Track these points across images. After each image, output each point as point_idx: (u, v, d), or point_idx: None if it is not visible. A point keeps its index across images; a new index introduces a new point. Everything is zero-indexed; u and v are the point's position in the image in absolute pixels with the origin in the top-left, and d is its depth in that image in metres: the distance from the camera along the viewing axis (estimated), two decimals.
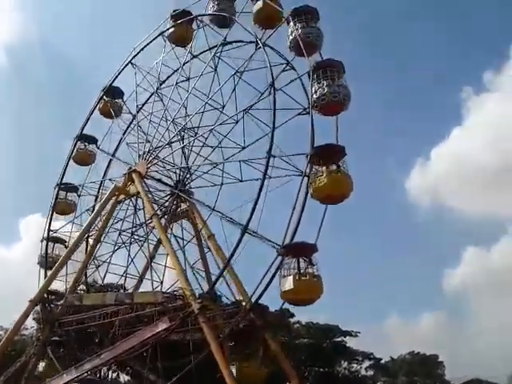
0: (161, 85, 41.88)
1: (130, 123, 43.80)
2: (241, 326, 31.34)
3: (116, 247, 39.04)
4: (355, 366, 68.19)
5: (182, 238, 38.75)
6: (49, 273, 38.16)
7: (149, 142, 39.05)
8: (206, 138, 37.50)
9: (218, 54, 38.18)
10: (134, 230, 39.69)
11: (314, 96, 30.15)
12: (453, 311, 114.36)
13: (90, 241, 38.92)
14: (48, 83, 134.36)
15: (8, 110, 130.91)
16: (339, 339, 65.25)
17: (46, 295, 34.22)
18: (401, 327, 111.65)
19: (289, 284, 27.06)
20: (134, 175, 37.08)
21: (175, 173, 39.13)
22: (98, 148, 44.22)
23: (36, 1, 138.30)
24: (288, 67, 33.70)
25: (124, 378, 53.00)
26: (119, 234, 39.36)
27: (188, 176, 38.72)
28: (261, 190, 29.44)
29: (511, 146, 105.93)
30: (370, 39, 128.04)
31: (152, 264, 38.62)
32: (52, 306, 35.21)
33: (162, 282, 36.57)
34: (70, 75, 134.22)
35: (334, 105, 30.07)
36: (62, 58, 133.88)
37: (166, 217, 39.03)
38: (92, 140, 44.39)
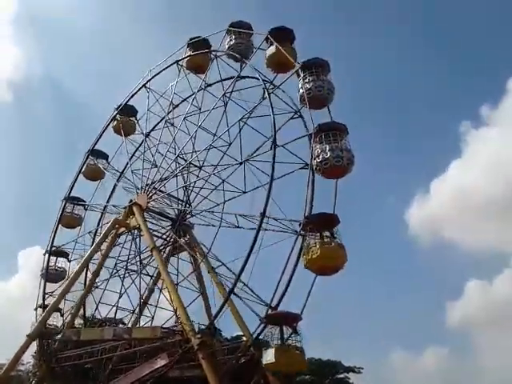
0: (173, 109, 42.48)
1: (138, 147, 44.13)
2: (241, 362, 30.83)
3: (113, 279, 38.93)
4: None
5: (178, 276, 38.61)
6: (48, 287, 39.20)
7: (155, 166, 39.48)
8: (209, 177, 37.92)
9: (228, 94, 38.66)
10: (132, 262, 39.47)
11: (317, 159, 29.77)
12: (455, 347, 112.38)
13: (89, 273, 38.72)
14: (52, 118, 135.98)
15: (11, 145, 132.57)
16: (342, 376, 63.77)
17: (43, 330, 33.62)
18: (404, 363, 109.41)
19: (270, 357, 26.32)
20: (134, 208, 37.16)
21: (176, 207, 39.31)
22: (109, 164, 44.79)
23: (38, 36, 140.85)
24: (296, 115, 33.92)
25: None
26: (115, 266, 39.35)
27: (188, 211, 38.89)
28: (252, 247, 29.30)
29: (510, 179, 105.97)
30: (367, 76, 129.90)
31: (151, 298, 38.52)
32: (49, 341, 34.68)
33: (152, 318, 36.33)
34: (75, 110, 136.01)
35: (336, 169, 29.68)
36: (65, 93, 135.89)
37: (164, 250, 38.94)
38: (103, 155, 44.93)
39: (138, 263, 39.37)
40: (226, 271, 34.81)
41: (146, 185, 39.00)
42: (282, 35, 35.89)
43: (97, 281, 38.25)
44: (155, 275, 39.58)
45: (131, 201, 38.22)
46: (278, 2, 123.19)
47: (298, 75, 33.10)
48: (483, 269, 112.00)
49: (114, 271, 39.45)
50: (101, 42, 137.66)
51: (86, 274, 39.65)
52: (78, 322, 39.29)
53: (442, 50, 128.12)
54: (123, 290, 38.75)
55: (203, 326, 31.87)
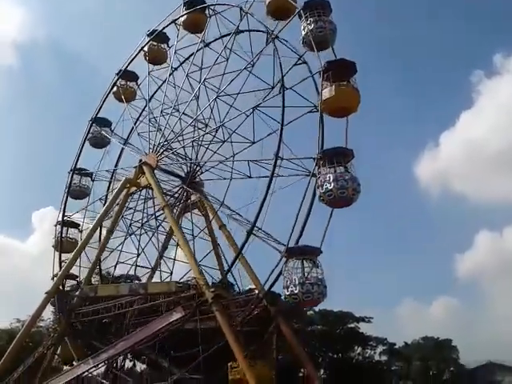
0: (173, 71, 41.72)
1: (142, 111, 43.97)
2: (254, 314, 31.65)
3: (128, 238, 39.54)
4: (369, 351, 68.33)
5: (193, 231, 39.06)
6: (63, 256, 39.51)
7: (160, 130, 39.16)
8: (216, 131, 37.46)
9: (229, 46, 37.70)
10: (145, 220, 40.10)
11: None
12: (466, 297, 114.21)
13: (103, 232, 39.34)
14: (57, 80, 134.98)
15: (19, 108, 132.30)
16: (352, 325, 65.34)
17: (61, 287, 34.56)
18: (414, 312, 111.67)
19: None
20: (144, 167, 37.31)
21: (185, 165, 39.40)
22: (112, 131, 44.58)
23: None
24: (300, 61, 33.04)
25: (140, 366, 53.86)
26: (130, 225, 39.85)
27: (198, 168, 38.96)
28: (267, 191, 29.61)
29: None
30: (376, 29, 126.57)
31: (165, 254, 39.25)
32: (67, 297, 35.73)
33: (171, 273, 37.06)
34: (80, 70, 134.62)
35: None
36: (71, 54, 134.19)
37: (176, 208, 39.39)
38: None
39: (151, 221, 40.21)
40: (240, 219, 34.80)
41: (154, 145, 38.97)
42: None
43: (111, 239, 38.87)
44: (168, 232, 40.26)
45: (141, 160, 38.33)
46: None
47: (300, 17, 32.49)
48: (494, 220, 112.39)
49: (128, 229, 40.17)
50: (104, 4, 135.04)
51: (101, 232, 40.32)
52: (95, 279, 40.16)
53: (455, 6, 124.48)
54: (137, 247, 39.64)
55: (216, 281, 32.64)
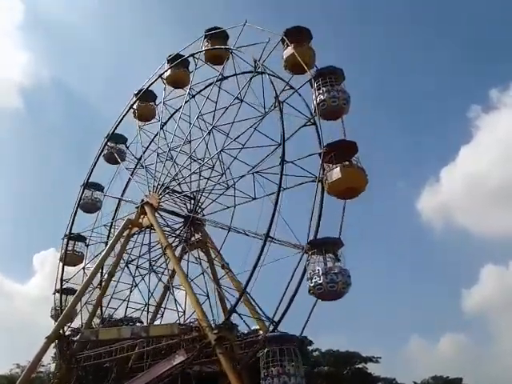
0: (164, 125, 42.97)
1: (137, 164, 44.75)
2: (259, 355, 30.91)
3: (128, 278, 39.50)
4: None
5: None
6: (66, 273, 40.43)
7: (157, 178, 39.58)
8: (214, 165, 38.16)
9: (216, 90, 39.32)
10: (146, 260, 39.91)
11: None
12: (473, 332, 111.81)
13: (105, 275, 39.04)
14: (63, 122, 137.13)
15: (25, 152, 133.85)
16: (360, 366, 63.78)
17: (61, 331, 34.00)
18: (422, 350, 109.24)
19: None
20: (146, 208, 37.40)
21: (187, 202, 39.46)
22: (105, 195, 44.94)
23: (43, 39, 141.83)
24: (309, 123, 33.03)
25: None
26: (126, 264, 39.70)
27: (200, 204, 39.00)
28: (277, 200, 30.01)
29: None
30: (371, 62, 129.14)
31: (167, 295, 38.77)
32: (68, 342, 35.08)
33: (184, 312, 36.48)
34: (85, 113, 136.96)
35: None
36: (75, 96, 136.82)
37: (179, 247, 39.21)
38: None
39: (152, 262, 39.97)
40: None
41: (154, 186, 39.20)
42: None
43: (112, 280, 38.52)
44: (170, 273, 39.88)
45: (143, 200, 38.41)
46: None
47: (312, 85, 32.56)
48: (497, 254, 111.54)
49: (128, 270, 39.89)
50: (108, 45, 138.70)
51: (102, 274, 39.99)
52: (96, 321, 39.54)
53: (451, 36, 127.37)
54: (137, 289, 39.35)
55: (220, 322, 32.05)
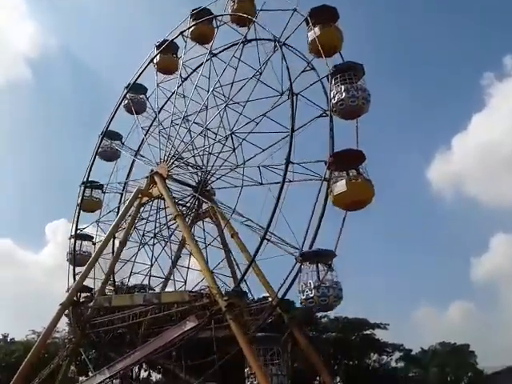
0: (182, 83, 42.06)
1: (152, 122, 44.33)
2: (268, 322, 31.60)
3: (141, 248, 39.85)
4: (385, 358, 67.46)
5: (205, 240, 39.27)
6: (77, 269, 39.73)
7: (170, 142, 39.37)
8: (226, 139, 37.63)
9: (237, 55, 37.96)
10: (157, 230, 40.37)
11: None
12: (482, 300, 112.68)
13: (116, 242, 39.61)
14: (70, 91, 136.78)
15: (34, 122, 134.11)
16: (368, 332, 64.69)
17: (75, 298, 34.78)
18: (430, 318, 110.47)
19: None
20: (156, 178, 37.57)
21: (196, 174, 39.59)
22: (123, 144, 44.94)
23: (49, 8, 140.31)
24: (309, 67, 33.08)
25: (156, 376, 53.93)
26: (143, 235, 40.15)
27: (209, 177, 39.10)
28: (279, 196, 29.56)
29: None
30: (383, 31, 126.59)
31: (178, 263, 39.38)
32: (82, 308, 35.95)
33: (185, 282, 37.12)
34: (93, 81, 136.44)
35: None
36: (83, 65, 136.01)
37: (189, 217, 39.58)
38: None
39: (163, 231, 40.46)
40: (253, 226, 34.77)
41: (165, 155, 39.21)
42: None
43: (124, 249, 39.13)
44: (180, 242, 40.45)
45: (152, 170, 38.59)
46: None
47: (329, 81, 31.02)
48: (509, 222, 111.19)
49: (139, 239, 40.49)
50: (115, 12, 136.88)
51: (114, 243, 40.61)
52: (109, 289, 40.36)
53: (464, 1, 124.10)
54: (150, 257, 39.96)
55: (230, 289, 32.62)
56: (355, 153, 29.07)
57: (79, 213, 42.83)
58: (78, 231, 42.26)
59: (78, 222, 42.61)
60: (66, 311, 34.01)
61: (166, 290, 38.64)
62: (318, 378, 54.56)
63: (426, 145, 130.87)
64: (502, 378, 66.02)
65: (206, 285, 31.69)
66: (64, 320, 40.84)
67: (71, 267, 40.80)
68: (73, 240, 41.80)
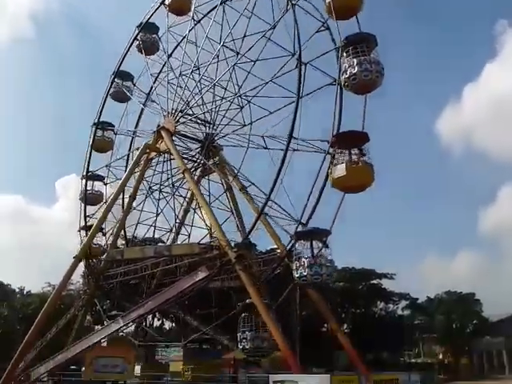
0: (194, 26, 40.66)
1: (161, 69, 43.77)
2: (276, 272, 32.29)
3: (149, 201, 40.58)
4: (391, 306, 68.82)
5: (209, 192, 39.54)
6: (89, 208, 41.43)
7: (178, 95, 39.10)
8: (234, 98, 37.17)
9: (250, 7, 36.36)
10: (166, 185, 40.80)
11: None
12: (489, 250, 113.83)
13: (126, 196, 40.20)
14: (75, 47, 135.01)
15: (42, 78, 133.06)
16: (375, 282, 65.84)
17: (88, 251, 35.67)
18: (437, 267, 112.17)
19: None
20: (162, 133, 37.58)
21: (203, 126, 39.48)
22: (134, 85, 44.79)
23: None
24: (323, 28, 31.56)
25: (169, 324, 55.80)
26: (149, 188, 40.67)
27: (216, 127, 38.97)
28: (280, 170, 29.32)
29: None
30: None
31: (187, 217, 40.00)
32: (95, 261, 36.95)
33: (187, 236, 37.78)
34: (97, 38, 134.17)
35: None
36: (86, 22, 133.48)
37: (196, 171, 39.84)
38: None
39: (171, 185, 40.84)
40: (256, 191, 35.23)
41: (172, 109, 39.04)
42: None
43: (134, 204, 39.75)
44: (188, 196, 40.91)
45: (159, 125, 38.54)
46: None
47: (339, 54, 29.67)
48: None
49: (149, 193, 40.98)
50: None
51: (123, 197, 41.18)
52: (120, 242, 41.27)
53: None
54: (159, 211, 40.54)
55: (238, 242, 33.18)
56: (358, 134, 28.39)
57: (91, 153, 43.23)
58: (90, 173, 42.91)
59: (89, 162, 43.18)
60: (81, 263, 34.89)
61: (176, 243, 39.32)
62: (325, 326, 56.18)
63: (436, 96, 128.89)
64: (505, 325, 67.50)
65: (215, 237, 32.28)
66: (78, 272, 42.08)
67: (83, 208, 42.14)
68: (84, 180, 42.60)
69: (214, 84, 38.08)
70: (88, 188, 42.65)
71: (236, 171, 37.70)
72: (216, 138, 39.18)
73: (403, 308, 70.71)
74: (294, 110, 29.98)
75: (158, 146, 38.39)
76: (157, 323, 46.47)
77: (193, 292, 30.32)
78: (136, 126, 44.84)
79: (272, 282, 32.89)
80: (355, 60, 27.86)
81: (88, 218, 41.61)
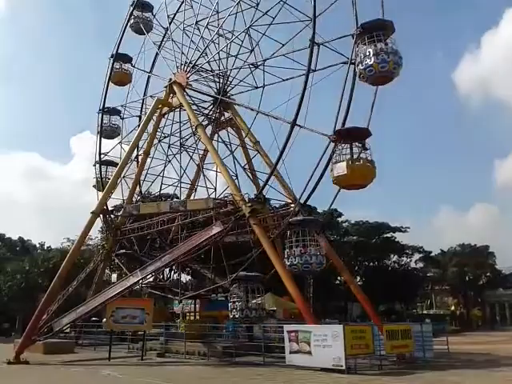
0: None
1: (164, 36, 43.53)
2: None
3: (163, 158, 40.71)
4: (405, 259, 69.50)
5: (230, 143, 39.47)
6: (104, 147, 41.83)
7: (184, 54, 38.59)
8: (243, 41, 36.49)
9: None
10: (180, 141, 40.81)
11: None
12: (503, 204, 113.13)
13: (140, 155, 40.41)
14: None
15: (49, 34, 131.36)
16: (388, 235, 66.22)
17: (105, 207, 36.23)
18: (450, 221, 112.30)
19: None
20: (174, 87, 37.28)
21: (215, 81, 39.02)
22: (134, 66, 44.20)
23: None
24: None
25: (185, 277, 57.14)
26: (162, 143, 40.81)
27: (228, 83, 38.53)
28: (306, 83, 28.49)
29: None
30: None
31: (201, 173, 40.20)
32: (112, 216, 37.61)
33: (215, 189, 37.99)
34: None
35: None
36: None
37: (209, 127, 39.71)
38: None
39: (185, 141, 40.87)
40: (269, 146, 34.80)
41: (182, 63, 38.49)
42: None
43: (148, 160, 39.98)
44: (202, 152, 40.94)
45: (170, 79, 38.18)
46: None
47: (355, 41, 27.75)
48: None
49: (163, 149, 41.11)
50: None
51: (138, 154, 41.41)
52: (136, 198, 41.80)
53: None
54: (174, 167, 40.76)
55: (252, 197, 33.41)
56: (361, 130, 27.46)
57: (107, 86, 43.11)
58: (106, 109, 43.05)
59: (106, 96, 43.07)
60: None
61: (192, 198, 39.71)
62: (338, 279, 57.14)
63: (453, 44, 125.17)
64: None
65: (229, 192, 32.54)
66: (96, 228, 43.00)
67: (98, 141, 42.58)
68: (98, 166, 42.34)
69: (231, 41, 37.20)
70: (105, 121, 42.75)
71: (255, 112, 37.21)
72: (228, 89, 38.67)
73: (416, 261, 71.49)
74: (299, 98, 28.75)
75: (170, 100, 38.19)
76: (174, 276, 47.47)
77: (208, 246, 30.84)
78: (151, 69, 44.47)
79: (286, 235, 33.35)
80: (371, 50, 26.25)
81: (102, 156, 41.89)
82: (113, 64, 43.36)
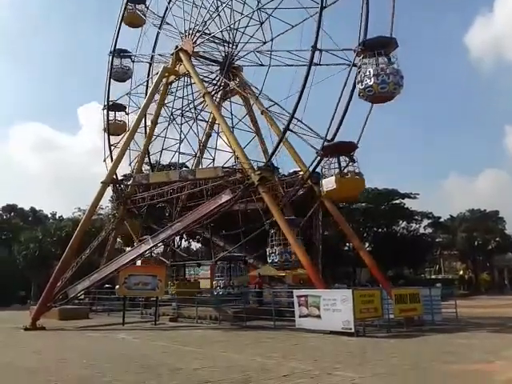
0: None
1: (163, 19, 43.03)
2: (299, 194, 32.81)
3: (171, 125, 40.75)
4: (414, 225, 69.49)
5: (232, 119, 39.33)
6: (112, 138, 42.02)
7: (194, 16, 38.05)
8: (253, 14, 35.67)
9: None
10: (187, 109, 40.74)
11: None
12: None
13: (148, 122, 40.43)
14: None
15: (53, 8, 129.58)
16: (397, 202, 66.12)
17: (115, 177, 36.52)
18: (460, 187, 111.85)
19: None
20: (181, 54, 36.89)
21: (222, 51, 38.57)
22: (147, 8, 43.68)
23: None
24: None
25: (195, 245, 57.99)
26: (171, 114, 40.69)
27: (236, 52, 38.08)
28: (304, 85, 28.04)
29: None
30: None
31: (209, 142, 40.29)
32: (122, 186, 37.91)
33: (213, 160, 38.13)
34: None
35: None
36: None
37: (217, 94, 39.47)
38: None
39: (193, 109, 40.74)
40: (279, 110, 34.78)
41: (190, 29, 38.01)
42: None
43: (156, 130, 40.01)
44: (210, 120, 40.87)
45: (177, 47, 37.76)
46: None
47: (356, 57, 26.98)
48: None
49: (171, 119, 41.03)
50: None
51: (145, 124, 41.38)
52: (145, 168, 42.04)
53: None
54: (182, 136, 40.78)
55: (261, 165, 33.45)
56: (347, 144, 27.23)
57: (109, 83, 43.02)
58: (111, 102, 43.00)
59: (109, 92, 43.14)
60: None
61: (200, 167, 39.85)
62: (347, 245, 57.57)
63: (465, 6, 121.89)
64: None
65: (238, 161, 32.57)
66: (107, 198, 43.42)
67: (107, 138, 42.71)
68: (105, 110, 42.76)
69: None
70: (110, 118, 42.77)
71: (258, 92, 37.12)
72: (236, 58, 38.34)
73: (425, 226, 71.57)
74: (317, 20, 28.21)
75: (176, 68, 37.88)
76: (184, 244, 48.15)
77: (218, 214, 31.09)
78: (153, 52, 44.08)
79: (295, 202, 33.54)
80: (371, 70, 25.57)
81: (112, 148, 42.04)
82: (126, 4, 42.87)
